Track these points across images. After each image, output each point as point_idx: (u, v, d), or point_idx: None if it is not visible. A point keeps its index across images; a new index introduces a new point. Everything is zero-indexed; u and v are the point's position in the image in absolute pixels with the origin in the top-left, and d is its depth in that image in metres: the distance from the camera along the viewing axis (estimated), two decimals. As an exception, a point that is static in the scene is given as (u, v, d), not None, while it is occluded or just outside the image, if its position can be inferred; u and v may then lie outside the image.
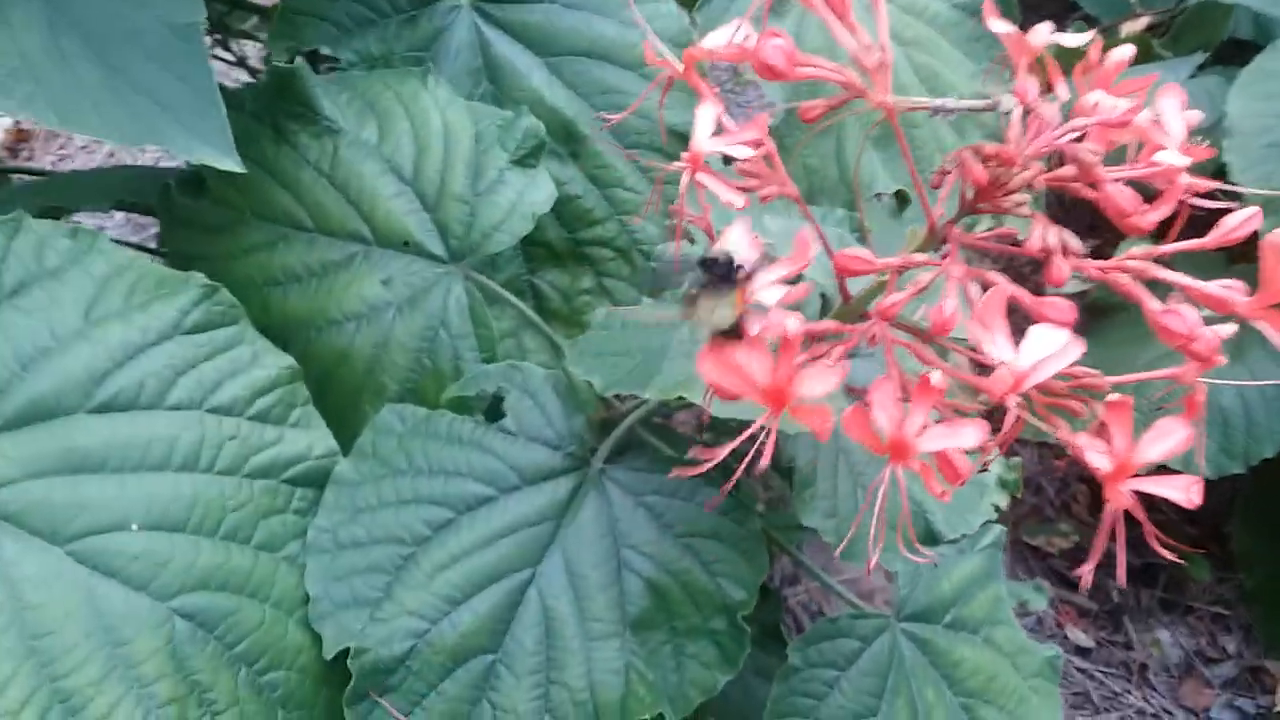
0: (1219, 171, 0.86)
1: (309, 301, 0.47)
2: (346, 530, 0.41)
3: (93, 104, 0.42)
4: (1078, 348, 0.29)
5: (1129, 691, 0.95)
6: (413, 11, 0.53)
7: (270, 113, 0.50)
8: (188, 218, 0.50)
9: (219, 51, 0.84)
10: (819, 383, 0.30)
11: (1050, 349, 0.29)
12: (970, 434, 0.28)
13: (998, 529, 0.51)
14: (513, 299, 0.49)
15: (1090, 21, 1.25)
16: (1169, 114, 0.35)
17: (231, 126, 0.44)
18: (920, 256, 0.33)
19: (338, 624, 0.40)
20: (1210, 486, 0.95)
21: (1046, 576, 1.03)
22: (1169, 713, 0.93)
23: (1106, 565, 0.31)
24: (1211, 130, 0.87)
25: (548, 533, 0.43)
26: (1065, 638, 0.99)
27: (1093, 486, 1.04)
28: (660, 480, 0.43)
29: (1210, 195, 0.34)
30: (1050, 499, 1.05)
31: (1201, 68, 1.04)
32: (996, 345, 0.29)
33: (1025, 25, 0.39)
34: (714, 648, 0.41)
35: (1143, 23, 1.20)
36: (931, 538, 0.42)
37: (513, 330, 0.51)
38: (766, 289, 0.32)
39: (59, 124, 0.41)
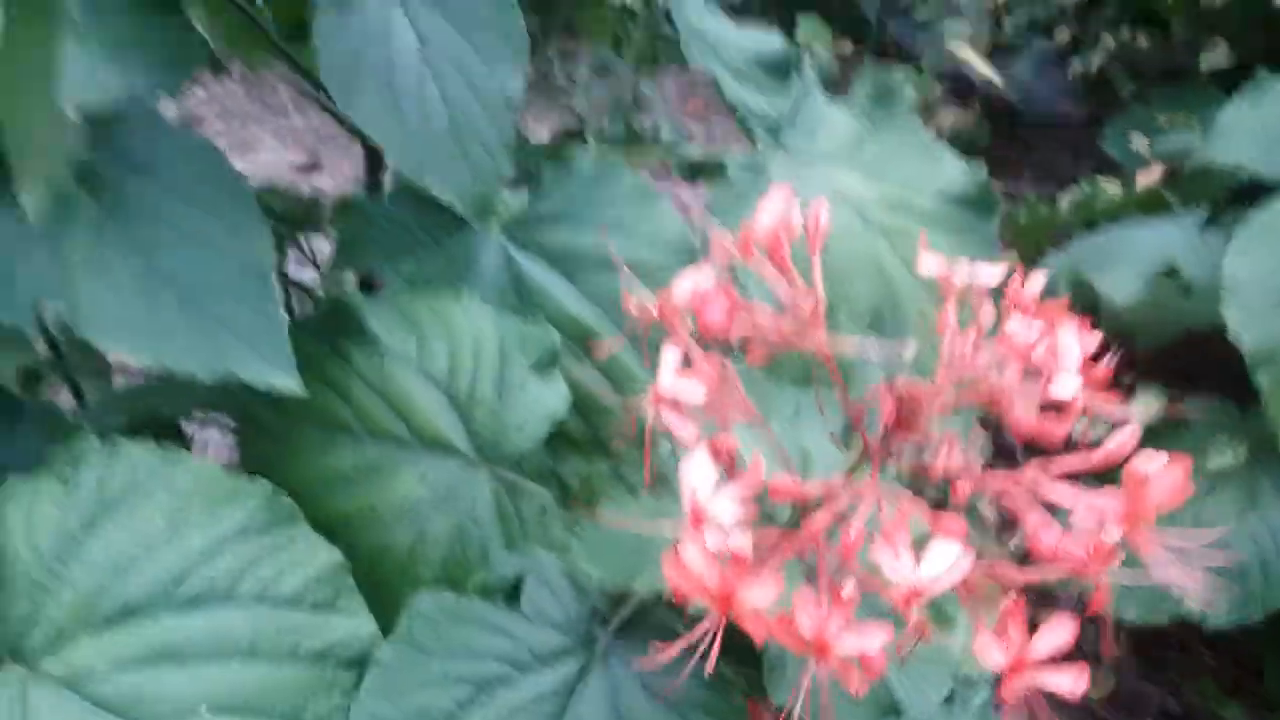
0: (1219, 328, 0.90)
1: (356, 500, 0.55)
2: (385, 710, 0.48)
3: (180, 342, 0.51)
4: (968, 559, 0.35)
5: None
6: (449, 240, 0.62)
7: (329, 334, 0.59)
8: (259, 425, 0.58)
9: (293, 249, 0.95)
10: (762, 591, 0.36)
11: (943, 563, 0.35)
12: (876, 637, 0.34)
13: (985, 691, 0.55)
14: (536, 488, 0.56)
15: (1109, 167, 1.32)
16: (1066, 342, 0.41)
17: (296, 347, 0.53)
18: (838, 481, 0.39)
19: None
20: (1249, 630, 0.99)
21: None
22: None
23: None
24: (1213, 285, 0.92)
25: (559, 707, 0.48)
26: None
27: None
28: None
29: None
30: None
31: (1211, 218, 1.10)
32: (894, 563, 0.35)
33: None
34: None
35: (1156, 173, 1.27)
36: (895, 709, 0.46)
37: (537, 515, 0.57)
38: (722, 506, 0.38)
39: (152, 363, 0.50)
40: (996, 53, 1.75)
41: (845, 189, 0.71)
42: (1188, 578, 0.37)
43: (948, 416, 0.40)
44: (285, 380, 0.52)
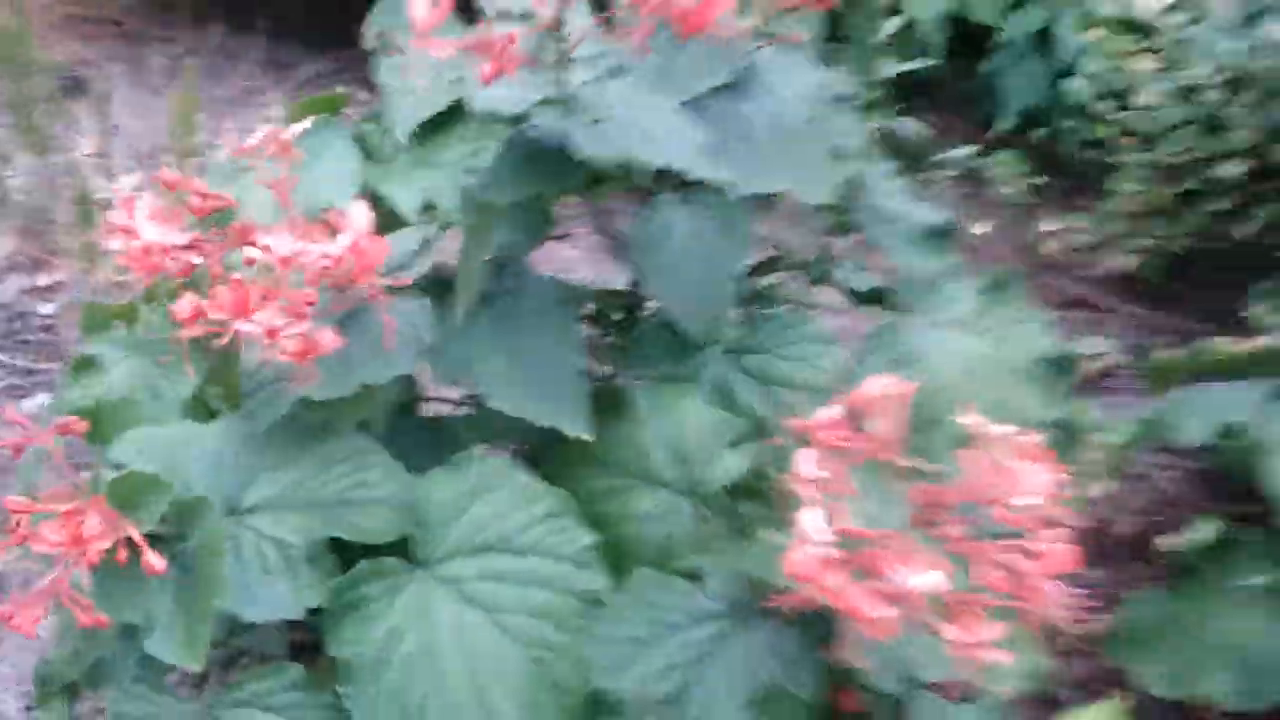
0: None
1: (611, 508, 0.90)
2: (611, 632, 0.82)
3: (529, 402, 0.88)
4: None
5: None
6: (687, 356, 0.97)
7: (612, 404, 0.95)
8: (561, 455, 0.95)
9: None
10: (836, 580, 0.68)
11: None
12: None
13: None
14: (718, 517, 0.90)
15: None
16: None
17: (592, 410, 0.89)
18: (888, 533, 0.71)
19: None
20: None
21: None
22: None
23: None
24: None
25: (715, 648, 0.82)
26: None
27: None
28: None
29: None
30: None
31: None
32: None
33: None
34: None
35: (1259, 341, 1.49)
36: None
37: (717, 532, 0.91)
38: (818, 529, 0.70)
39: (513, 412, 0.87)
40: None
41: (962, 348, 1.02)
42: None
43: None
44: (582, 430, 0.88)
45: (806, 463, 0.73)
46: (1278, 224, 1.86)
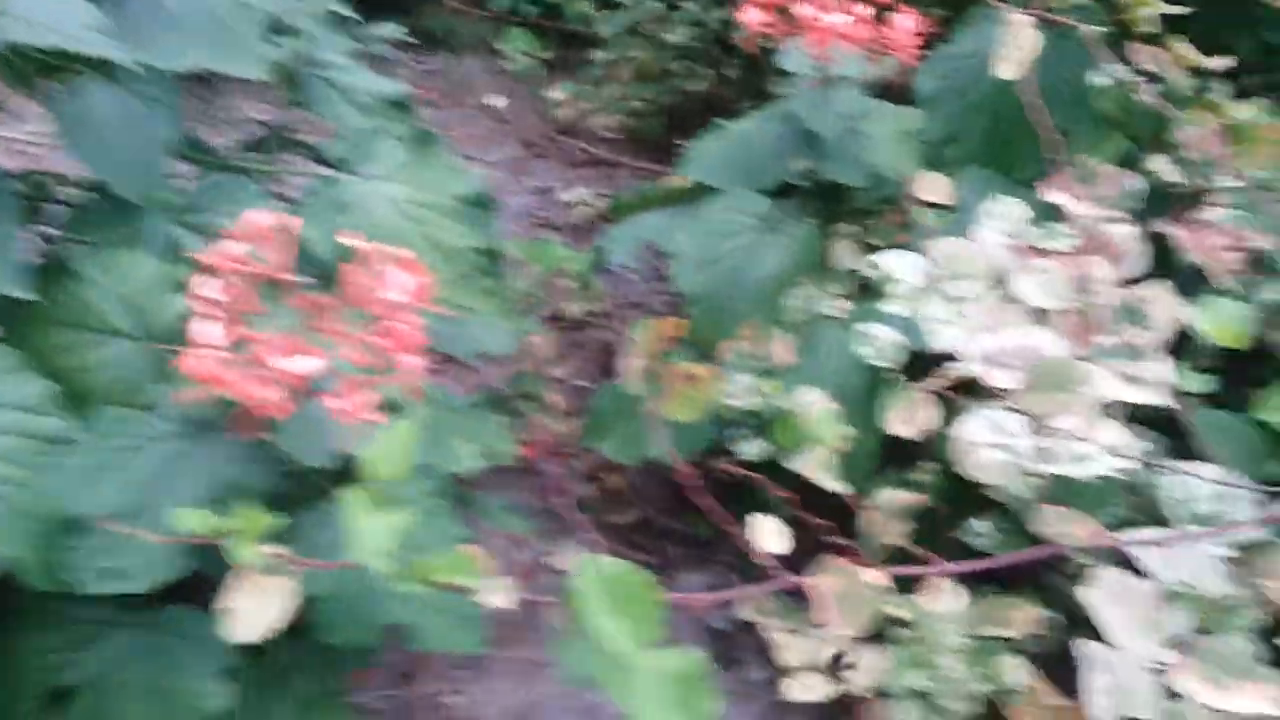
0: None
1: (73, 359, 1.01)
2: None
3: None
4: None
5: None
6: (130, 219, 1.08)
7: (61, 270, 1.04)
8: (16, 319, 1.04)
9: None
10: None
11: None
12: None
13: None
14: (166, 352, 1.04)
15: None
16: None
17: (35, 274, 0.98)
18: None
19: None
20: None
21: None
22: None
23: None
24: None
25: (177, 462, 0.96)
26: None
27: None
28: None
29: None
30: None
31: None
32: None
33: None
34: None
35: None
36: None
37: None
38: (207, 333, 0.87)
39: None
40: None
41: (390, 193, 1.20)
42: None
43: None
44: (21, 290, 0.98)
45: (203, 286, 0.89)
46: (729, 80, 2.19)
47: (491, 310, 1.21)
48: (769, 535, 0.85)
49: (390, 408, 0.93)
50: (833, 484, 0.96)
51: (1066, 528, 0.86)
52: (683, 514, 1.63)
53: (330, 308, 0.92)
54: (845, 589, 0.73)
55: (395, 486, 0.72)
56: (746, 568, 1.51)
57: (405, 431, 0.73)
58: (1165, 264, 1.28)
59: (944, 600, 0.99)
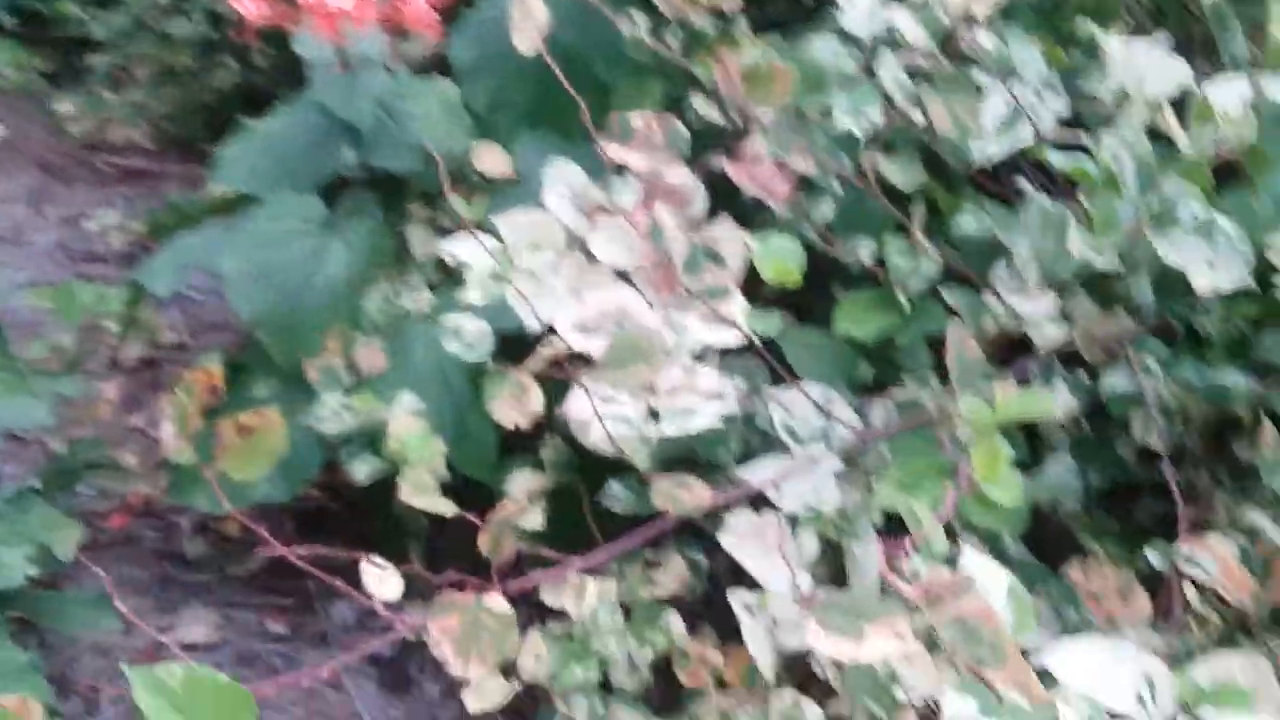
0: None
1: None
2: None
3: None
4: None
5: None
6: None
7: None
8: None
9: None
10: None
11: None
12: None
13: None
14: None
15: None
16: None
17: None
18: None
19: None
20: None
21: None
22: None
23: None
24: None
25: None
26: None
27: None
28: None
29: None
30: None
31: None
32: None
33: None
34: None
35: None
36: None
37: None
38: None
39: None
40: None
41: None
42: None
43: None
44: None
45: None
46: (261, 70, 2.01)
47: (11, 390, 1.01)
48: (379, 582, 0.76)
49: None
50: (431, 504, 0.88)
51: (677, 495, 0.84)
52: (314, 543, 1.49)
53: None
54: (468, 628, 0.65)
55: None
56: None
57: None
58: (729, 200, 1.31)
59: (587, 593, 0.94)
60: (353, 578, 1.45)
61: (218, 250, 1.32)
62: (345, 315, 1.29)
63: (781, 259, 1.01)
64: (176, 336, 1.75)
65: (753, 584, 0.98)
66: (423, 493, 0.86)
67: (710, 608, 1.22)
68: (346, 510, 1.38)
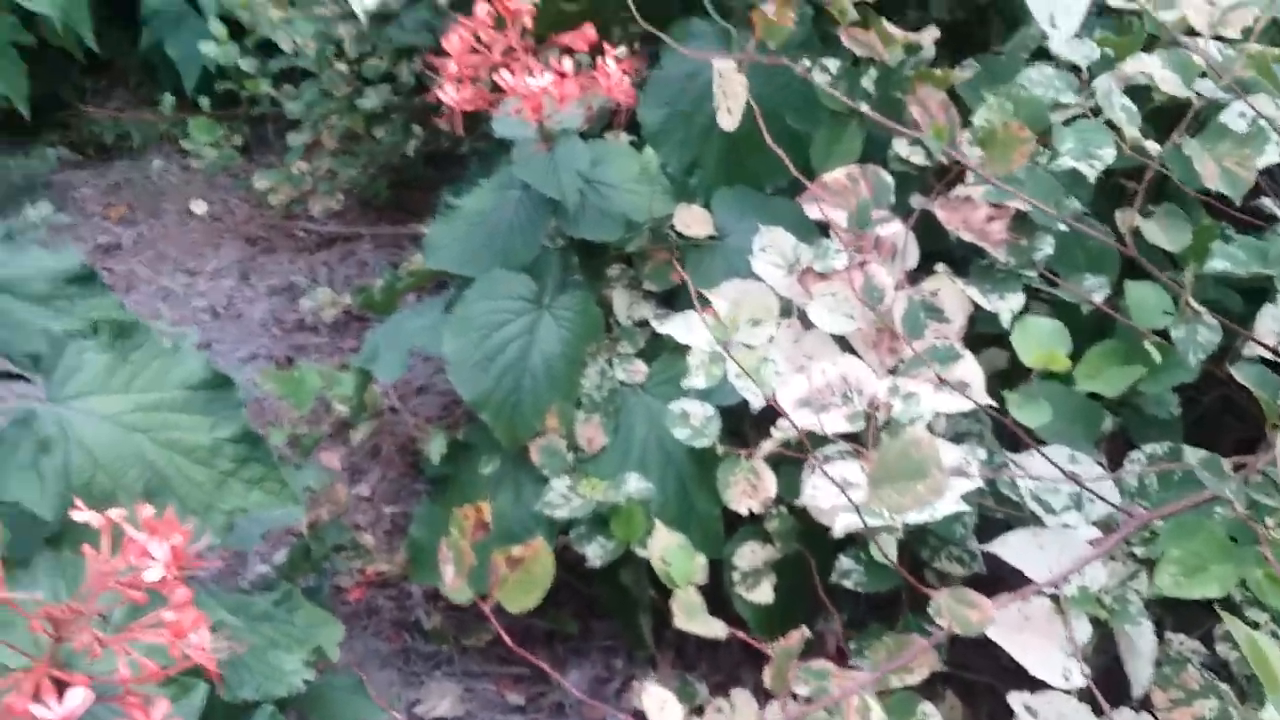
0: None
1: None
2: None
3: None
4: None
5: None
6: None
7: None
8: None
9: None
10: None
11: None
12: None
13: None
14: None
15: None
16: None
17: None
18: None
19: None
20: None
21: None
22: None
23: None
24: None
25: None
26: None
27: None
28: None
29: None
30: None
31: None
32: None
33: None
34: None
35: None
36: None
37: None
38: None
39: None
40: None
41: (103, 409, 1.02)
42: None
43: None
44: None
45: None
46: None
47: (265, 497, 1.06)
48: (658, 708, 0.76)
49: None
50: (705, 628, 0.87)
51: (963, 615, 0.80)
52: (544, 613, 1.53)
53: (71, 617, 0.75)
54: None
55: None
56: (630, 647, 1.42)
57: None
58: (935, 242, 1.26)
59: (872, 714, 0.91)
60: (584, 646, 1.49)
61: (436, 334, 1.35)
62: (563, 392, 1.30)
63: (1046, 341, 0.95)
64: (388, 401, 1.81)
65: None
66: (693, 616, 0.86)
67: (947, 681, 1.18)
68: (576, 579, 1.40)
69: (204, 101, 2.31)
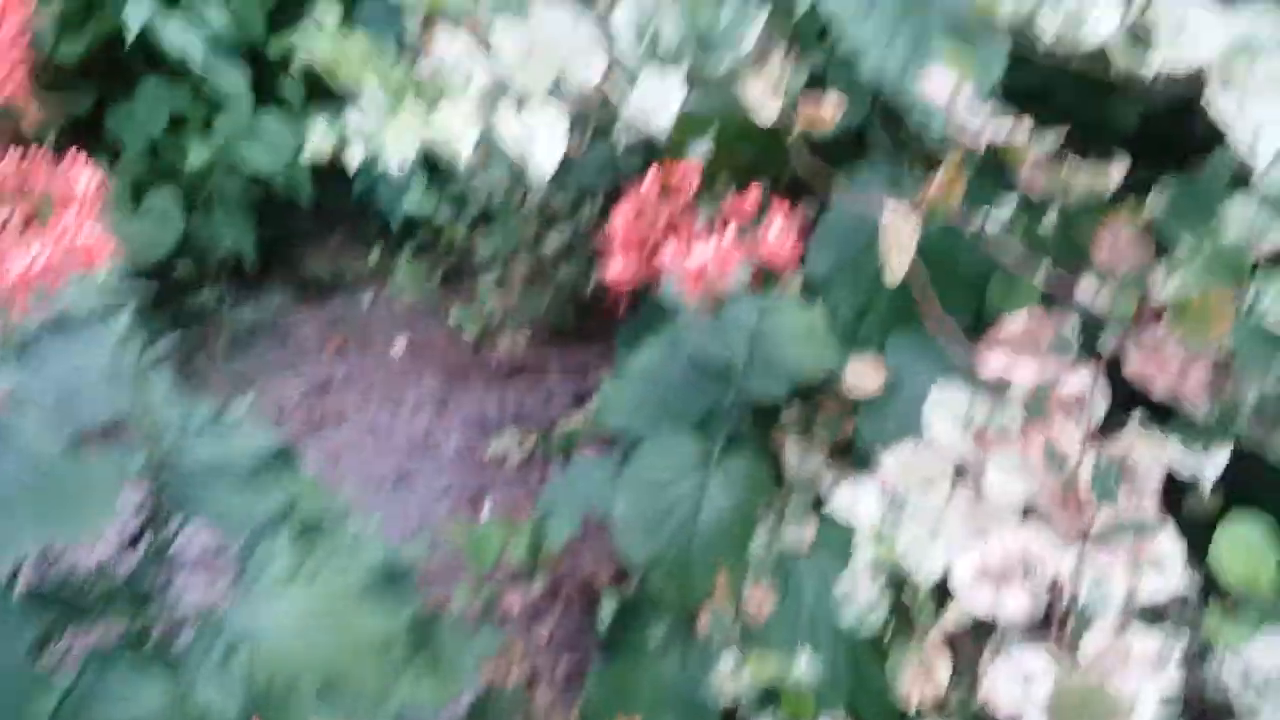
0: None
1: None
2: None
3: None
4: None
5: None
6: None
7: None
8: None
9: None
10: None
11: None
12: None
13: None
14: None
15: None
16: None
17: None
18: None
19: None
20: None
21: None
22: None
23: None
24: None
25: None
26: None
27: None
28: None
29: None
30: None
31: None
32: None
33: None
34: None
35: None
36: None
37: None
38: None
39: None
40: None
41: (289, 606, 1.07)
42: None
43: None
44: None
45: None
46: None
47: (436, 686, 1.09)
48: None
49: None
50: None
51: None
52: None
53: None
54: None
55: None
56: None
57: None
58: (1121, 393, 1.18)
59: None
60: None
61: (608, 492, 1.36)
62: (732, 555, 1.28)
63: (1254, 555, 0.86)
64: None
65: None
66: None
67: None
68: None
69: (411, 244, 2.47)
